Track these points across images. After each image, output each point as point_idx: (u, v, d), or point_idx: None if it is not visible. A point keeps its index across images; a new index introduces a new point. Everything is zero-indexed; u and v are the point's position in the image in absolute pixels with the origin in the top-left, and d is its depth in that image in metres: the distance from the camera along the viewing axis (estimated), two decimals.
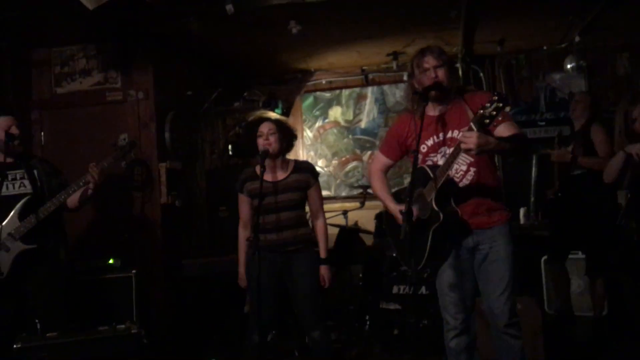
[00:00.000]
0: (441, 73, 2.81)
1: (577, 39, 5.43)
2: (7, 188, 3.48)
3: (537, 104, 5.98)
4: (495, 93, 2.47)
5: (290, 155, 6.74)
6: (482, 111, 2.46)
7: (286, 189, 3.49)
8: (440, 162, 2.82)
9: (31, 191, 3.52)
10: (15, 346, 3.04)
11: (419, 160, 2.85)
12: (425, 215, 2.76)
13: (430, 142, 2.88)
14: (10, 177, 3.51)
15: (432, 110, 2.91)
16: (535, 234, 5.00)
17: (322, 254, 3.57)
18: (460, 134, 2.70)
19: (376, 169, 3.17)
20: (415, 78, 2.90)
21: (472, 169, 2.81)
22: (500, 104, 2.42)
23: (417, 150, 2.74)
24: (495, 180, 2.92)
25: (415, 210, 2.74)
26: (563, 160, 4.37)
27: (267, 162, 3.42)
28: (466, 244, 2.86)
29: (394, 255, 4.69)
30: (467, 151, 2.56)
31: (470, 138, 2.49)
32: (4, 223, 3.38)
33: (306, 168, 3.61)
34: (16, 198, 3.46)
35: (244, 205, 3.56)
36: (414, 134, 2.85)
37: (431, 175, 2.74)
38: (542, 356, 3.96)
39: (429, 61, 2.83)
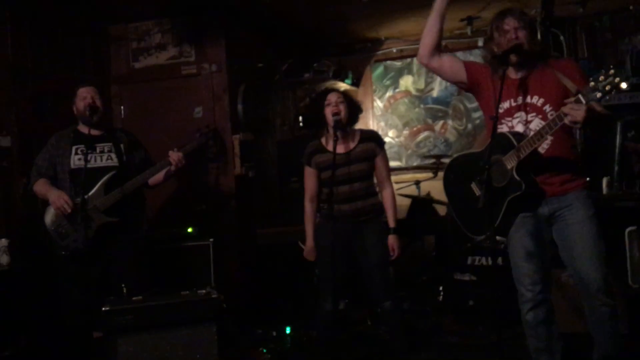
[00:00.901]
0: (522, 35, 2.68)
1: None
2: (95, 160, 3.61)
3: (622, 68, 5.64)
4: (612, 66, 2.30)
5: (360, 126, 6.74)
6: (594, 83, 2.30)
7: (357, 159, 3.48)
8: (517, 128, 2.72)
9: (117, 164, 3.63)
10: (103, 309, 3.20)
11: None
12: (502, 184, 2.67)
13: (506, 105, 2.77)
14: (98, 150, 3.64)
15: (513, 74, 2.78)
16: (619, 204, 4.75)
17: (391, 223, 3.54)
18: (547, 106, 2.61)
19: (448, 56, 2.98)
20: (495, 41, 2.78)
21: (550, 138, 2.67)
22: (617, 79, 2.26)
23: (496, 116, 2.63)
24: (572, 150, 2.79)
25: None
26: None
27: (332, 132, 3.43)
28: (542, 212, 2.76)
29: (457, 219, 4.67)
30: (573, 124, 2.42)
31: (578, 111, 2.36)
32: (89, 194, 3.50)
33: (372, 137, 3.59)
34: (103, 170, 3.58)
35: (311, 178, 3.56)
36: (491, 91, 2.76)
37: (515, 143, 2.62)
38: (625, 330, 3.82)
39: (510, 22, 2.70)
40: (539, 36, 5.33)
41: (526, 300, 2.81)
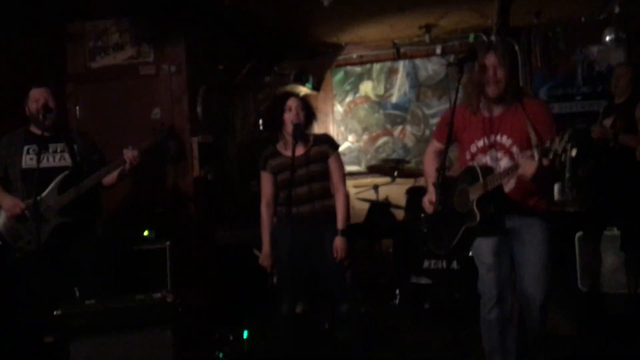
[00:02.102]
0: (501, 73, 2.81)
1: (617, 9, 5.26)
2: (48, 160, 3.54)
3: (574, 78, 5.84)
4: (569, 131, 2.38)
5: (321, 130, 6.77)
6: (549, 145, 2.42)
7: (314, 159, 3.51)
8: (490, 164, 2.86)
9: (71, 165, 3.58)
10: (55, 313, 3.13)
11: (468, 158, 2.94)
12: (463, 211, 2.81)
13: (480, 144, 2.91)
14: (50, 150, 3.57)
15: (487, 111, 2.91)
16: (569, 210, 4.91)
17: (339, 225, 3.54)
18: (514, 147, 2.78)
19: (431, 152, 3.22)
20: (476, 73, 2.87)
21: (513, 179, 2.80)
22: (569, 145, 2.36)
23: (452, 121, 2.72)
24: (537, 186, 2.86)
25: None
26: (604, 137, 4.27)
27: (288, 137, 3.46)
28: (507, 224, 2.88)
29: (425, 230, 4.75)
30: (523, 177, 2.57)
31: (529, 167, 2.50)
32: (42, 195, 3.45)
33: (326, 139, 3.63)
34: (56, 171, 3.53)
35: (267, 183, 3.56)
36: (466, 127, 2.93)
37: (480, 178, 2.73)
38: (574, 332, 3.94)
39: (490, 59, 2.82)
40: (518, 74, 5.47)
41: (487, 299, 2.94)
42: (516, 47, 5.98)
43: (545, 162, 2.44)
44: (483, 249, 2.93)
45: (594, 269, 4.58)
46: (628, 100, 4.31)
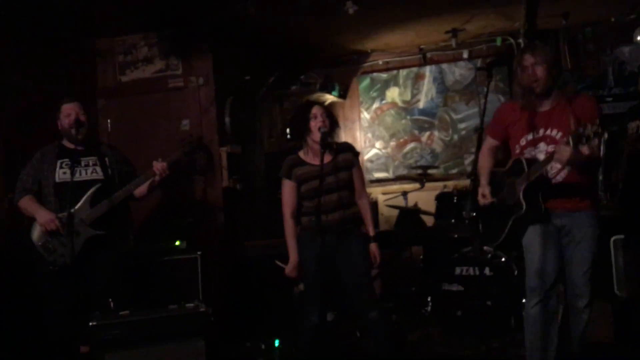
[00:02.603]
0: (539, 70, 2.92)
1: None
2: (80, 174, 3.60)
3: (604, 79, 5.72)
4: (598, 119, 2.59)
5: (348, 137, 6.77)
6: (582, 130, 2.57)
7: (342, 167, 3.52)
8: (539, 157, 2.98)
9: (102, 177, 3.64)
10: (90, 323, 3.17)
11: (517, 152, 3.07)
12: (511, 203, 2.97)
13: (530, 137, 3.02)
14: (83, 164, 3.64)
15: (536, 105, 3.03)
16: (604, 213, 4.80)
17: (371, 231, 3.56)
18: (559, 137, 2.91)
19: (485, 149, 3.29)
20: (518, 76, 3.02)
21: (567, 168, 2.91)
22: (600, 130, 2.54)
23: (482, 120, 2.97)
24: (588, 179, 3.03)
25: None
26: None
27: (313, 145, 3.47)
28: (556, 222, 3.01)
29: (456, 236, 4.72)
30: (559, 163, 2.75)
31: (564, 153, 2.67)
32: (75, 208, 3.50)
33: (348, 147, 3.64)
34: (88, 184, 3.58)
35: (292, 192, 3.53)
36: (516, 121, 3.07)
37: (525, 168, 2.91)
38: (612, 339, 3.86)
39: (528, 59, 2.94)
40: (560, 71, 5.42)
41: (532, 291, 3.00)
42: None
43: (581, 148, 2.60)
44: (531, 241, 3.02)
45: (636, 274, 4.46)
46: None
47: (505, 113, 3.19)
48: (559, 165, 2.88)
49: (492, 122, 3.29)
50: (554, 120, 2.97)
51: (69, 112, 3.63)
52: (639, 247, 4.41)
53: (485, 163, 3.23)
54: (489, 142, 3.29)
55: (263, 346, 4.33)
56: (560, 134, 2.93)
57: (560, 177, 2.96)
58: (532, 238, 3.03)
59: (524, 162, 2.94)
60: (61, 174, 3.57)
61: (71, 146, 3.58)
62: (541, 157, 2.96)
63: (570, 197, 2.97)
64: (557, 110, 2.98)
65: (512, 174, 3.01)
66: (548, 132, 2.98)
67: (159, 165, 3.64)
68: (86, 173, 3.63)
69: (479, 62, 6.15)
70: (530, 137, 3.03)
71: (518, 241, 3.08)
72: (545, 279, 2.98)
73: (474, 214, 3.11)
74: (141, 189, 3.71)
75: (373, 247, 3.53)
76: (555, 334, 3.06)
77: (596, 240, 2.99)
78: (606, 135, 2.61)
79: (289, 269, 3.55)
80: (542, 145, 2.99)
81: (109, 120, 5.06)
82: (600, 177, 4.85)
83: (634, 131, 4.32)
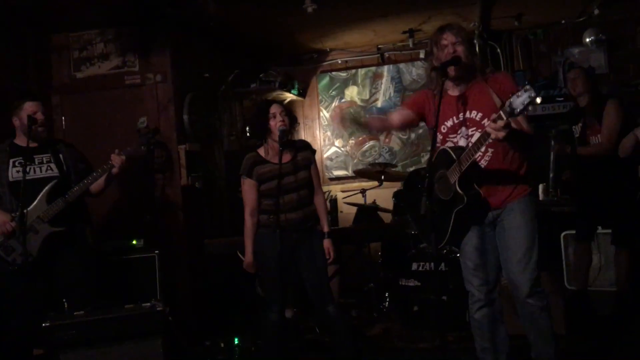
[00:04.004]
0: (460, 49, 2.80)
1: (596, 11, 5.35)
2: (35, 171, 3.54)
3: (555, 80, 5.90)
4: (527, 83, 2.40)
5: (307, 136, 6.80)
6: (513, 99, 2.39)
7: (301, 166, 3.56)
8: (460, 143, 2.84)
9: (58, 174, 3.59)
10: (44, 325, 3.12)
11: (439, 140, 2.87)
12: (448, 197, 2.79)
13: (449, 123, 2.89)
14: (37, 161, 3.58)
15: (452, 90, 2.90)
16: (555, 210, 4.97)
17: (325, 227, 3.61)
18: (485, 120, 2.72)
19: (394, 114, 3.15)
20: (434, 56, 2.89)
21: (490, 150, 2.80)
22: (533, 94, 2.36)
23: (437, 129, 2.74)
24: (512, 159, 2.86)
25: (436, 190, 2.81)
26: (564, 153, 4.50)
27: (273, 144, 3.50)
28: (487, 219, 2.89)
29: (413, 232, 4.78)
30: (496, 140, 2.54)
31: (499, 128, 2.46)
32: (31, 206, 3.45)
33: (306, 146, 3.67)
34: (43, 181, 3.53)
35: (252, 191, 3.53)
36: (433, 110, 2.86)
37: (454, 158, 2.74)
38: (563, 331, 3.99)
39: (448, 37, 2.81)
40: (477, 49, 5.54)
41: (476, 299, 2.94)
42: (498, 50, 6.06)
43: (519, 118, 2.44)
44: (468, 249, 2.92)
45: (584, 269, 4.63)
46: (591, 102, 4.37)
47: (422, 96, 3.02)
48: (482, 149, 2.70)
49: (409, 99, 3.12)
50: (474, 102, 2.82)
51: (33, 110, 3.56)
52: (586, 239, 4.60)
53: (392, 116, 3.09)
54: (400, 111, 3.11)
55: (222, 344, 4.33)
56: (480, 114, 2.80)
57: (485, 161, 2.81)
58: (468, 246, 2.91)
59: (450, 151, 2.78)
60: (14, 172, 3.51)
61: (24, 143, 3.50)
62: (462, 142, 2.83)
63: (502, 184, 2.82)
64: (474, 92, 2.84)
65: (440, 166, 2.81)
66: (467, 114, 2.83)
67: (117, 158, 3.61)
68: (41, 170, 3.57)
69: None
70: (449, 123, 2.88)
71: (463, 235, 2.92)
72: (483, 284, 2.90)
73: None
74: (98, 183, 3.67)
75: (327, 242, 3.57)
76: (504, 333, 2.97)
77: (528, 225, 2.81)
78: (539, 100, 2.39)
79: (245, 265, 3.58)
80: (463, 130, 2.84)
81: (63, 118, 4.96)
82: (551, 175, 5.02)
83: (577, 134, 4.50)
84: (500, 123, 2.46)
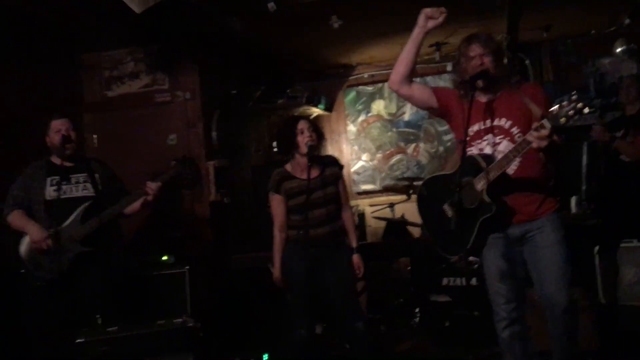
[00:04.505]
0: (487, 60, 2.75)
1: (626, 21, 5.26)
2: (71, 191, 3.59)
3: (586, 90, 5.83)
4: (574, 92, 2.35)
5: (334, 150, 6.80)
6: (558, 108, 2.35)
7: (330, 182, 3.55)
8: (486, 150, 2.78)
9: (93, 194, 3.62)
10: (77, 340, 3.15)
11: (466, 146, 2.80)
12: (473, 205, 2.73)
13: (476, 128, 2.83)
14: (73, 180, 3.62)
15: (482, 97, 2.85)
16: (588, 223, 4.88)
17: (354, 243, 3.60)
18: (514, 128, 2.69)
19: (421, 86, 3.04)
20: (462, 67, 2.84)
21: (518, 159, 2.72)
22: (580, 104, 2.31)
23: (465, 140, 2.71)
24: (542, 170, 2.80)
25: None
26: (601, 139, 4.32)
27: (300, 159, 3.50)
28: (513, 233, 2.82)
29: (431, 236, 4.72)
30: (537, 149, 2.49)
31: (543, 137, 2.42)
32: (65, 224, 3.49)
33: (334, 161, 3.67)
34: (78, 200, 3.56)
35: (281, 206, 3.54)
36: (460, 115, 2.81)
37: (483, 166, 2.69)
38: (596, 346, 3.90)
39: (475, 49, 2.77)
40: (505, 60, 5.49)
41: (501, 318, 2.86)
42: (527, 62, 6.00)
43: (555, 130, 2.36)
44: (492, 269, 2.84)
45: (611, 282, 4.53)
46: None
47: (452, 94, 2.93)
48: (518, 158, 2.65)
49: (440, 89, 3.03)
50: (504, 109, 2.77)
51: (58, 128, 3.62)
52: (611, 251, 4.50)
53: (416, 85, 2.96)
54: (428, 89, 2.98)
55: None
56: (509, 122, 2.75)
57: (511, 170, 2.73)
58: (491, 262, 2.84)
59: (477, 158, 2.72)
60: (52, 191, 3.55)
61: (59, 162, 3.57)
62: (488, 149, 2.77)
63: (529, 196, 2.75)
64: (503, 99, 2.79)
65: (466, 172, 2.73)
66: (496, 122, 2.77)
67: (153, 186, 3.62)
68: (77, 190, 3.61)
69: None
70: (475, 128, 2.81)
71: (484, 243, 2.84)
72: (508, 302, 2.81)
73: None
74: (133, 207, 3.68)
75: (356, 258, 3.56)
76: (531, 350, 2.90)
77: (562, 242, 2.76)
78: (587, 110, 2.28)
79: (275, 281, 3.58)
80: (490, 137, 2.79)
81: (95, 136, 5.05)
82: (584, 187, 4.93)
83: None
84: (544, 132, 2.41)
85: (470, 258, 4.42)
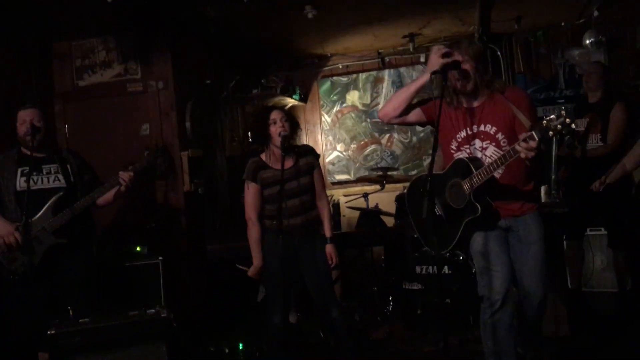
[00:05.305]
0: (468, 67, 2.81)
1: (595, 13, 5.36)
2: (42, 181, 3.55)
3: (556, 81, 5.92)
4: (562, 108, 2.44)
5: (310, 140, 6.81)
6: (547, 122, 2.42)
7: (304, 172, 3.57)
8: (475, 153, 2.89)
9: (65, 186, 3.58)
10: (49, 332, 3.13)
11: (453, 151, 2.95)
12: (460, 206, 2.85)
13: (463, 134, 2.93)
14: (45, 171, 3.58)
15: (466, 103, 2.94)
16: (557, 211, 4.97)
17: (328, 233, 3.61)
18: (499, 134, 2.81)
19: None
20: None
21: (503, 167, 2.83)
22: (568, 120, 2.38)
23: (438, 128, 2.76)
24: (526, 175, 2.91)
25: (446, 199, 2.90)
26: (572, 158, 4.49)
27: (274, 150, 3.51)
28: (501, 224, 2.94)
29: (416, 235, 4.79)
30: (525, 159, 2.57)
31: (532, 148, 2.49)
32: (37, 216, 3.46)
33: (310, 150, 3.69)
34: (50, 192, 3.53)
35: (257, 196, 3.55)
36: (448, 122, 2.94)
37: (472, 169, 2.78)
38: (568, 332, 4.00)
39: (455, 56, 2.81)
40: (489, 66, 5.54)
41: (489, 304, 2.95)
42: (498, 53, 6.07)
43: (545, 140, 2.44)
44: (481, 250, 2.95)
45: (578, 268, 4.65)
46: (602, 99, 4.39)
47: (432, 107, 3.03)
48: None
49: (425, 105, 3.10)
50: (489, 116, 2.86)
51: (24, 119, 3.57)
52: (577, 239, 4.61)
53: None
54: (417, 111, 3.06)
55: (227, 350, 4.33)
56: (495, 129, 2.84)
57: (498, 174, 2.84)
58: (481, 247, 2.96)
59: (467, 162, 2.82)
60: (22, 182, 3.50)
61: (30, 153, 3.52)
62: (477, 154, 2.88)
63: (513, 198, 2.89)
64: (490, 105, 2.87)
65: (454, 174, 2.88)
66: (482, 128, 2.87)
67: (125, 176, 3.60)
68: (48, 181, 3.57)
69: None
70: (463, 134, 2.92)
71: (465, 244, 3.01)
72: (502, 291, 2.91)
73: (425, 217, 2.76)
74: (106, 197, 3.66)
75: (329, 247, 3.58)
76: (512, 339, 2.99)
77: (542, 239, 2.93)
78: (574, 125, 2.37)
79: (252, 272, 3.58)
80: (477, 142, 2.88)
81: (66, 125, 4.99)
82: (553, 177, 5.02)
83: (583, 128, 4.50)
84: (533, 144, 2.49)
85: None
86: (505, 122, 2.82)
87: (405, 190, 3.31)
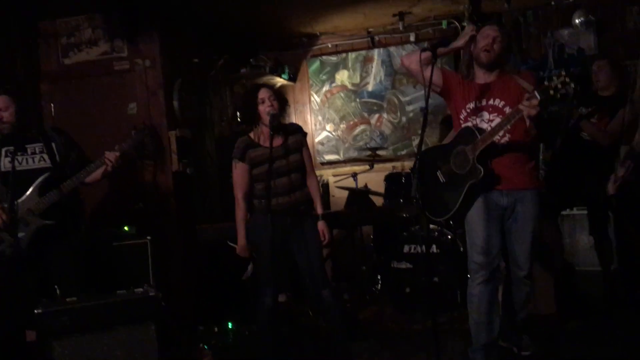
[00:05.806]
0: (497, 46, 3.02)
1: None
2: (27, 162, 3.50)
3: (545, 61, 5.92)
4: (564, 70, 2.68)
5: (299, 120, 6.79)
6: (547, 82, 2.65)
7: (293, 150, 3.55)
8: (480, 125, 3.05)
9: (50, 165, 3.53)
10: (36, 311, 3.12)
11: (461, 120, 3.12)
12: (464, 171, 3.01)
13: (472, 105, 3.10)
14: (29, 151, 3.52)
15: (480, 78, 3.12)
16: (543, 191, 4.99)
17: (319, 210, 3.62)
18: (507, 108, 2.97)
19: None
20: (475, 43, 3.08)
21: (508, 135, 3.02)
22: (568, 79, 2.60)
23: (427, 108, 2.84)
24: (528, 145, 3.08)
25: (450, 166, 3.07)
26: (569, 116, 4.32)
27: (263, 128, 3.50)
28: (500, 202, 3.08)
29: (405, 215, 4.82)
30: (528, 117, 2.78)
31: (533, 105, 2.71)
32: (22, 198, 3.42)
33: (298, 129, 3.67)
34: (35, 172, 3.48)
35: (245, 175, 3.53)
36: (460, 94, 3.13)
37: (477, 135, 2.96)
38: (553, 309, 4.05)
39: (493, 31, 3.04)
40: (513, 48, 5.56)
41: (479, 275, 3.06)
42: None
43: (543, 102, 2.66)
44: (475, 219, 3.08)
45: (556, 247, 4.66)
46: (614, 95, 4.23)
47: (456, 77, 3.23)
48: (500, 132, 2.95)
49: (447, 71, 3.35)
50: (499, 91, 3.05)
51: None
52: (553, 219, 4.63)
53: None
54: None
55: (216, 329, 4.35)
56: (503, 102, 3.03)
57: (501, 142, 3.02)
58: (476, 216, 3.08)
59: (474, 129, 3.01)
60: (7, 162, 3.45)
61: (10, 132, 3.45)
62: (483, 125, 3.03)
63: (516, 171, 3.03)
64: (501, 82, 3.07)
65: (460, 142, 3.05)
66: (491, 101, 3.06)
67: (111, 155, 3.55)
68: (33, 161, 3.51)
69: (425, 45, 6.25)
70: (472, 105, 3.10)
71: (467, 210, 3.11)
72: (489, 257, 3.04)
73: (417, 195, 2.88)
74: (93, 176, 3.61)
75: (321, 225, 3.58)
76: (498, 310, 3.18)
77: (537, 218, 3.10)
78: (573, 85, 2.62)
79: (238, 250, 3.59)
80: (485, 114, 3.06)
81: (52, 105, 4.93)
82: (541, 157, 5.03)
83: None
84: (534, 101, 2.70)
85: (431, 226, 4.52)
86: (513, 98, 2.99)
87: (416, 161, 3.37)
